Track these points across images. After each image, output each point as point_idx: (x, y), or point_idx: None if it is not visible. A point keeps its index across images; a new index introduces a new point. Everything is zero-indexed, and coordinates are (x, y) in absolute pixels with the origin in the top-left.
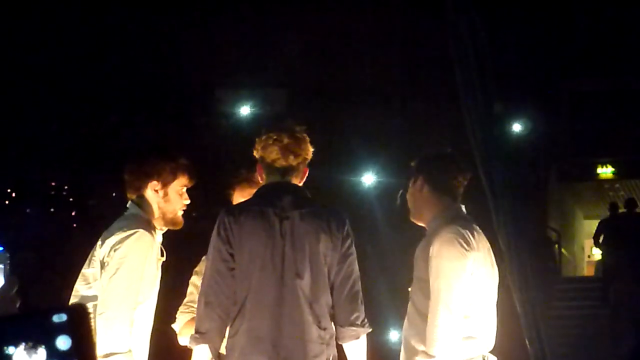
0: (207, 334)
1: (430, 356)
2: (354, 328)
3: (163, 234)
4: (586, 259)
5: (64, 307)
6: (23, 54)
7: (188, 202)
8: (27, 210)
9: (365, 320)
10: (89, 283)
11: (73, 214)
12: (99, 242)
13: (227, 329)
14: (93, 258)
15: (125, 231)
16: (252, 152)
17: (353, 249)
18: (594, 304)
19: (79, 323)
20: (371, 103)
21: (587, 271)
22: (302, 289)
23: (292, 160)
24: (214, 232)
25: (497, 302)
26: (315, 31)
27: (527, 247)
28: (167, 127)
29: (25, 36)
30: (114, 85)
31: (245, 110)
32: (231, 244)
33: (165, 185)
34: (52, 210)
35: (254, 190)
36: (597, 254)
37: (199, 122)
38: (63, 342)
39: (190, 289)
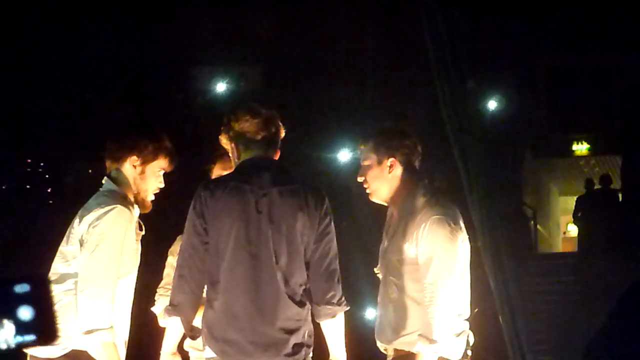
0: (179, 307)
1: (433, 340)
2: (329, 307)
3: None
4: (562, 235)
5: (25, 277)
6: None
7: (162, 186)
8: (3, 187)
9: (343, 298)
10: (67, 260)
11: (49, 190)
12: (77, 220)
13: (203, 303)
14: (71, 235)
15: (102, 207)
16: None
17: (331, 227)
18: (570, 279)
19: (42, 293)
20: (347, 79)
21: (563, 247)
22: (278, 266)
23: (273, 132)
24: (191, 206)
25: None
26: (290, 7)
27: (501, 223)
28: (142, 104)
29: None
30: (89, 63)
31: (221, 87)
32: (205, 219)
33: (144, 162)
34: (27, 187)
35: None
36: (572, 230)
37: (174, 99)
38: (26, 313)
39: (166, 270)
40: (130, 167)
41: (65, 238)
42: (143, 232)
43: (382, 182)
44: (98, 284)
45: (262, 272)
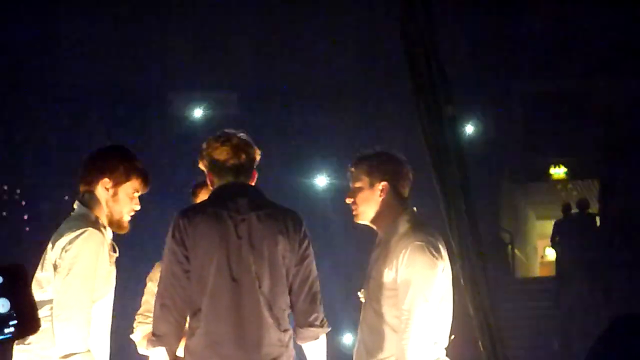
0: (163, 337)
1: None
2: (312, 329)
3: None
4: (539, 259)
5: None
6: None
7: (138, 207)
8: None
9: (324, 320)
10: (42, 287)
11: (25, 217)
12: (50, 245)
13: (185, 331)
14: (45, 261)
15: (74, 231)
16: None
17: (311, 249)
18: (547, 304)
19: (17, 284)
20: (323, 104)
21: (540, 272)
22: (261, 292)
23: (243, 159)
24: (169, 235)
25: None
26: (266, 33)
27: (479, 248)
28: (119, 130)
29: None
30: (66, 88)
31: (197, 112)
32: (186, 246)
33: (116, 184)
34: (3, 214)
35: None
36: (549, 254)
37: (151, 124)
38: (0, 305)
39: (145, 297)
40: (102, 189)
41: (40, 265)
42: (117, 254)
43: (371, 205)
44: (72, 308)
45: (245, 298)
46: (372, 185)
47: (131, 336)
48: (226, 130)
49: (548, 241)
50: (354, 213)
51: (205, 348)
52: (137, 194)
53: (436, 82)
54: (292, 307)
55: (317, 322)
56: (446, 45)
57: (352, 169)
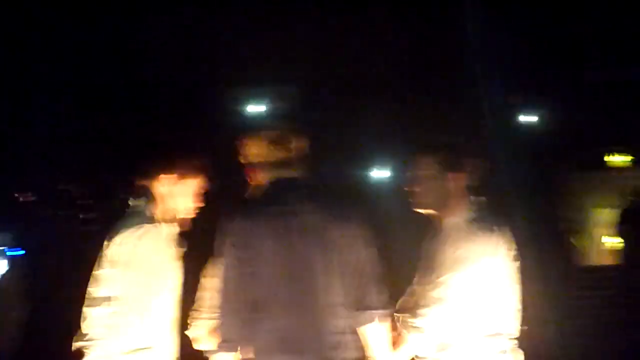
0: (232, 343)
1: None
2: (369, 311)
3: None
4: (598, 248)
5: None
6: (26, 58)
7: (199, 204)
8: (48, 213)
9: (383, 302)
10: (99, 284)
11: (95, 216)
12: (106, 242)
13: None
14: (102, 259)
15: (130, 228)
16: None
17: (364, 235)
18: (609, 293)
19: None
20: (383, 97)
21: (600, 260)
22: (318, 283)
23: (285, 151)
24: (220, 239)
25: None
26: (326, 26)
27: (540, 238)
28: (178, 125)
29: (26, 41)
30: (124, 85)
31: (257, 107)
32: (240, 249)
33: (175, 182)
34: (59, 213)
35: None
36: (609, 243)
37: (209, 119)
38: None
39: (199, 293)
40: (159, 186)
41: (97, 262)
42: (184, 249)
43: (439, 194)
44: (134, 304)
45: (303, 291)
46: (442, 174)
47: (186, 332)
48: (258, 128)
49: (606, 230)
50: (416, 200)
51: (272, 345)
52: (195, 190)
53: (498, 73)
54: (349, 293)
55: (373, 305)
56: (508, 35)
57: (423, 156)
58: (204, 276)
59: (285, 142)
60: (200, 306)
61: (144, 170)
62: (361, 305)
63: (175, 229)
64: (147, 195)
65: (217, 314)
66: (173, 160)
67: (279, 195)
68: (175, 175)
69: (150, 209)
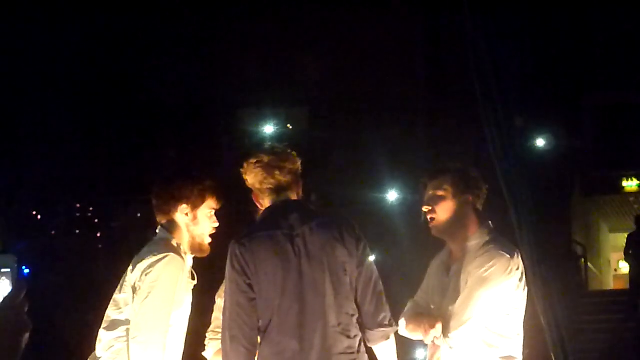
0: None
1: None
2: (382, 329)
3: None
4: (613, 272)
5: None
6: (47, 77)
7: (217, 225)
8: (52, 232)
9: (392, 319)
10: (120, 308)
11: (98, 235)
12: (130, 267)
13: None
14: (125, 283)
15: (155, 255)
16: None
17: (368, 250)
18: (621, 317)
19: None
20: (393, 119)
21: (614, 285)
22: (326, 303)
23: (279, 176)
24: (228, 265)
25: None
26: (336, 48)
27: (552, 261)
28: (189, 148)
29: (51, 60)
30: (136, 107)
31: (268, 129)
32: (247, 275)
33: (194, 208)
34: (77, 232)
35: None
36: (623, 267)
37: (221, 142)
38: None
39: (215, 314)
40: (182, 215)
41: (119, 286)
42: (195, 282)
43: (452, 215)
44: (150, 331)
45: (311, 312)
46: (455, 196)
47: (203, 353)
48: (259, 148)
49: (621, 254)
50: (432, 223)
51: None
52: (213, 212)
53: (507, 96)
54: (359, 310)
55: (386, 322)
56: (517, 59)
57: (435, 178)
58: (219, 297)
59: (280, 165)
60: (217, 327)
61: (163, 204)
62: (374, 324)
63: (191, 262)
64: (172, 225)
65: (222, 339)
66: (191, 189)
67: (280, 219)
68: (196, 203)
69: (176, 239)
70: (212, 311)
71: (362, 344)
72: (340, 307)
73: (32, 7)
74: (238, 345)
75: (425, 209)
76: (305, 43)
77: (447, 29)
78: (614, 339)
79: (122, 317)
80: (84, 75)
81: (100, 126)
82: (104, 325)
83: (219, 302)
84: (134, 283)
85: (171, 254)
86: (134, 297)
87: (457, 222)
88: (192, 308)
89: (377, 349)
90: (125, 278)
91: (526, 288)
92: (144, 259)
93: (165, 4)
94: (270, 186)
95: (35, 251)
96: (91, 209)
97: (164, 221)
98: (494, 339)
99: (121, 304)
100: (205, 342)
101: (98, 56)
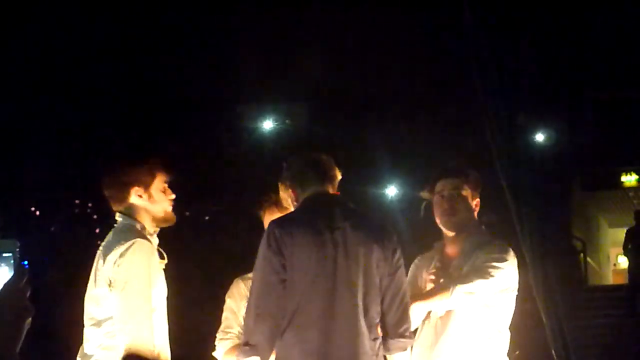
0: (257, 346)
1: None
2: (403, 340)
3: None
4: (612, 267)
5: None
6: (49, 77)
7: (173, 196)
8: (52, 229)
9: (412, 332)
10: (99, 304)
11: (97, 231)
12: (100, 261)
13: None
14: (97, 277)
15: (122, 244)
16: (275, 166)
17: (402, 260)
18: (620, 312)
19: None
20: (393, 115)
21: (614, 280)
22: (356, 300)
23: (331, 174)
24: (264, 244)
25: (522, 312)
26: (336, 44)
27: (551, 256)
28: (190, 143)
29: (53, 59)
30: (136, 103)
31: (267, 125)
32: (284, 255)
33: (147, 187)
34: (76, 227)
35: (282, 214)
36: (622, 262)
37: (221, 137)
38: None
39: (225, 314)
40: (136, 198)
41: (92, 280)
42: (166, 261)
43: (469, 214)
44: (136, 320)
45: (340, 306)
46: (473, 197)
47: (213, 353)
48: (306, 151)
49: (621, 249)
50: (453, 220)
51: (297, 357)
52: (166, 185)
53: (507, 91)
54: (382, 317)
55: (407, 333)
56: (517, 54)
57: (456, 178)
58: (229, 297)
59: (330, 166)
60: (226, 327)
61: (116, 192)
62: (395, 333)
63: (156, 240)
64: (131, 208)
65: (246, 316)
66: (138, 170)
67: (323, 209)
68: (147, 182)
69: (139, 222)
70: (213, 309)
71: (381, 348)
72: (368, 307)
73: (32, 7)
74: (262, 324)
75: (449, 207)
76: (304, 39)
77: (447, 25)
78: (613, 333)
79: (104, 314)
80: (84, 73)
81: (99, 123)
82: (89, 323)
83: (229, 302)
84: (107, 276)
85: (138, 239)
86: (110, 290)
87: (472, 219)
88: (188, 304)
89: (391, 358)
90: (97, 271)
91: (516, 290)
92: (112, 250)
93: (165, 1)
94: (323, 177)
95: (35, 247)
96: (90, 204)
97: (121, 208)
98: (491, 313)
99: (100, 300)
100: (216, 342)
101: (98, 54)
